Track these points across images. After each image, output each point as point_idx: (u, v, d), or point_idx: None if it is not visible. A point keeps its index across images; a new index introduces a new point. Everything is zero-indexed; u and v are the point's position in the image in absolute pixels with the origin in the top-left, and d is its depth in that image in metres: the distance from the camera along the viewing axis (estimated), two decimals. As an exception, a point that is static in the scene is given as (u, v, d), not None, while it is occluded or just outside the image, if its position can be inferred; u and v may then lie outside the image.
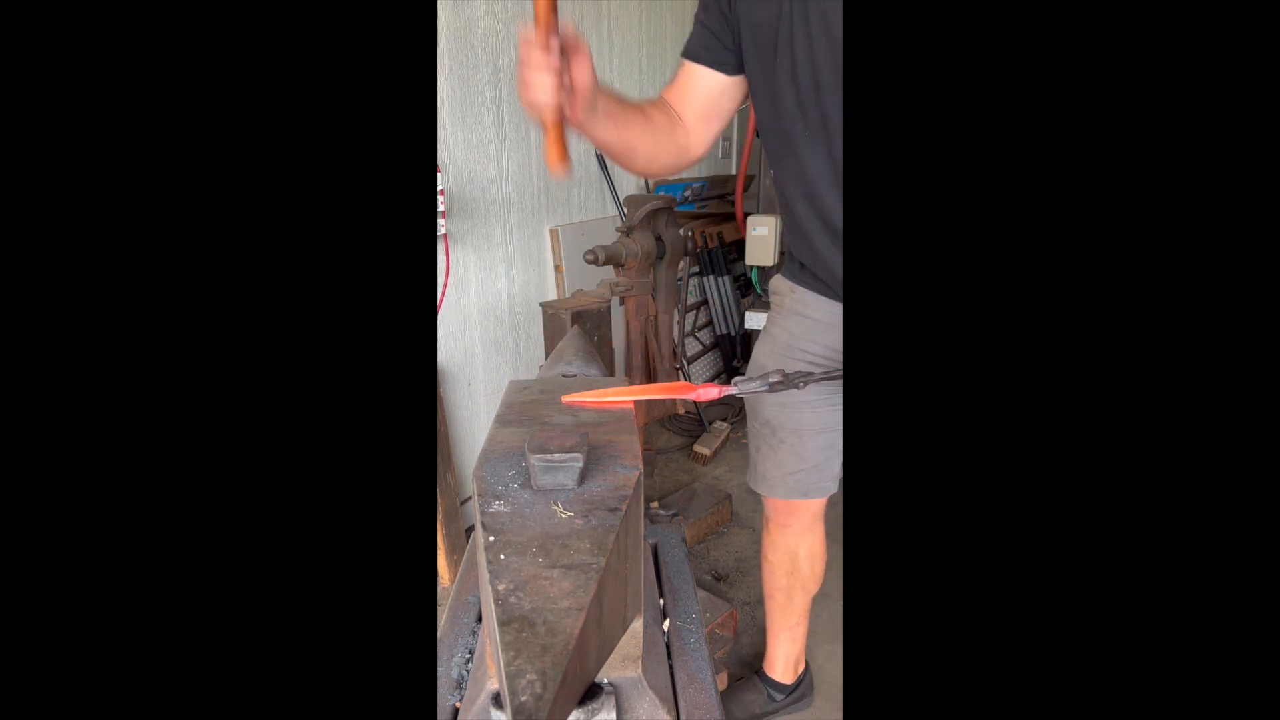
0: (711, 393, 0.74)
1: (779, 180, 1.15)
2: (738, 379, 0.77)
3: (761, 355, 1.31)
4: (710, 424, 3.04)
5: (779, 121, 1.07)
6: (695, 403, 3.07)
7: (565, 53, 0.78)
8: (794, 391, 1.22)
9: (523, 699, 0.35)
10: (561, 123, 0.81)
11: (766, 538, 1.45)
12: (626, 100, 1.00)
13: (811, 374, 0.80)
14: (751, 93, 1.10)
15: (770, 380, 0.78)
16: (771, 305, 1.33)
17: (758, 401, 1.31)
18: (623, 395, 0.69)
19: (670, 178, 3.27)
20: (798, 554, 1.41)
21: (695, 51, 1.11)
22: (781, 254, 2.94)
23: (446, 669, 0.69)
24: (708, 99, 1.11)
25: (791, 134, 1.06)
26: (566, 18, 2.52)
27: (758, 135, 2.97)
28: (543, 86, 0.77)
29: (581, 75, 0.81)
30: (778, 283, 1.31)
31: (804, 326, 1.24)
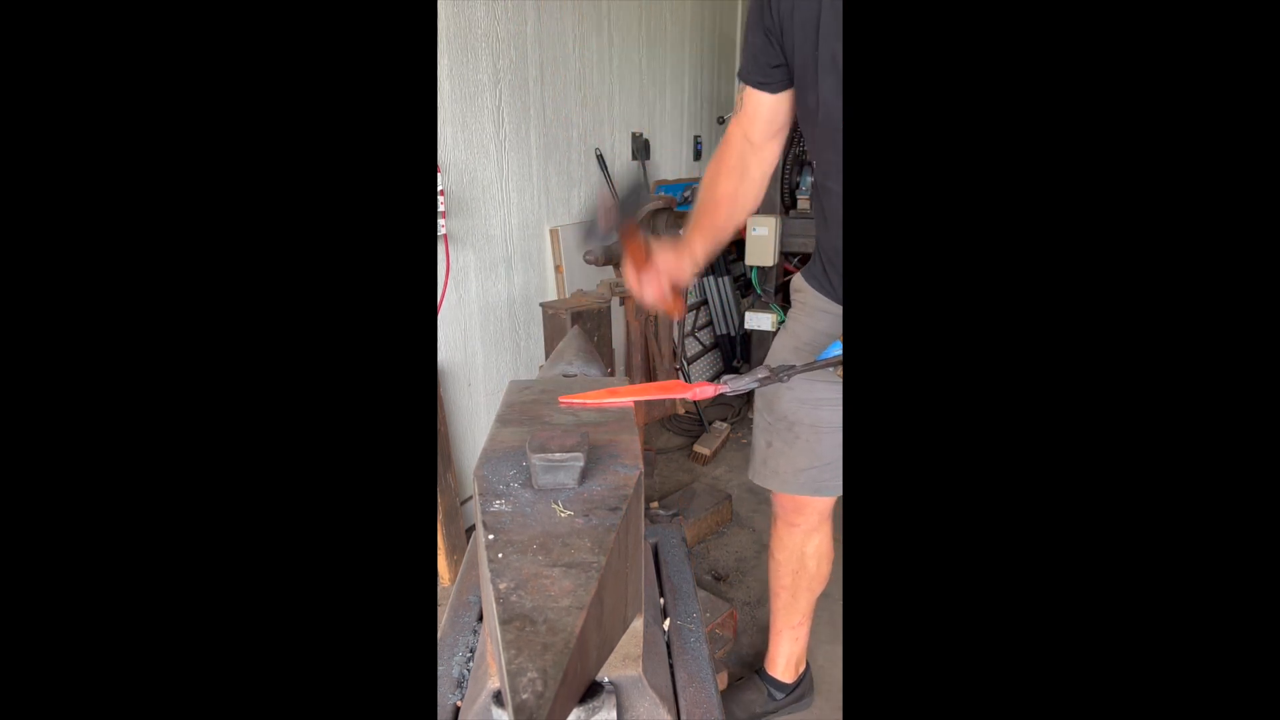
0: (708, 391, 0.76)
1: (817, 172, 1.20)
2: (727, 377, 0.79)
3: (782, 350, 1.33)
4: (710, 424, 3.04)
5: (818, 112, 1.09)
6: (695, 403, 3.08)
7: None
8: (816, 388, 1.25)
9: (524, 697, 0.35)
10: (675, 299, 1.10)
11: (774, 536, 1.45)
12: (704, 212, 1.20)
13: (793, 366, 0.84)
14: (796, 84, 1.13)
15: (759, 376, 0.81)
16: (793, 302, 1.35)
17: (775, 397, 1.32)
18: (619, 396, 0.69)
19: (671, 178, 3.27)
20: (805, 552, 1.41)
21: (746, 74, 1.19)
22: (784, 254, 2.95)
23: (447, 668, 0.69)
24: (769, 119, 1.20)
25: (829, 126, 1.08)
26: (567, 21, 2.49)
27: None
28: (651, 299, 1.11)
29: (679, 287, 1.11)
30: (798, 281, 1.33)
31: (826, 322, 1.25)
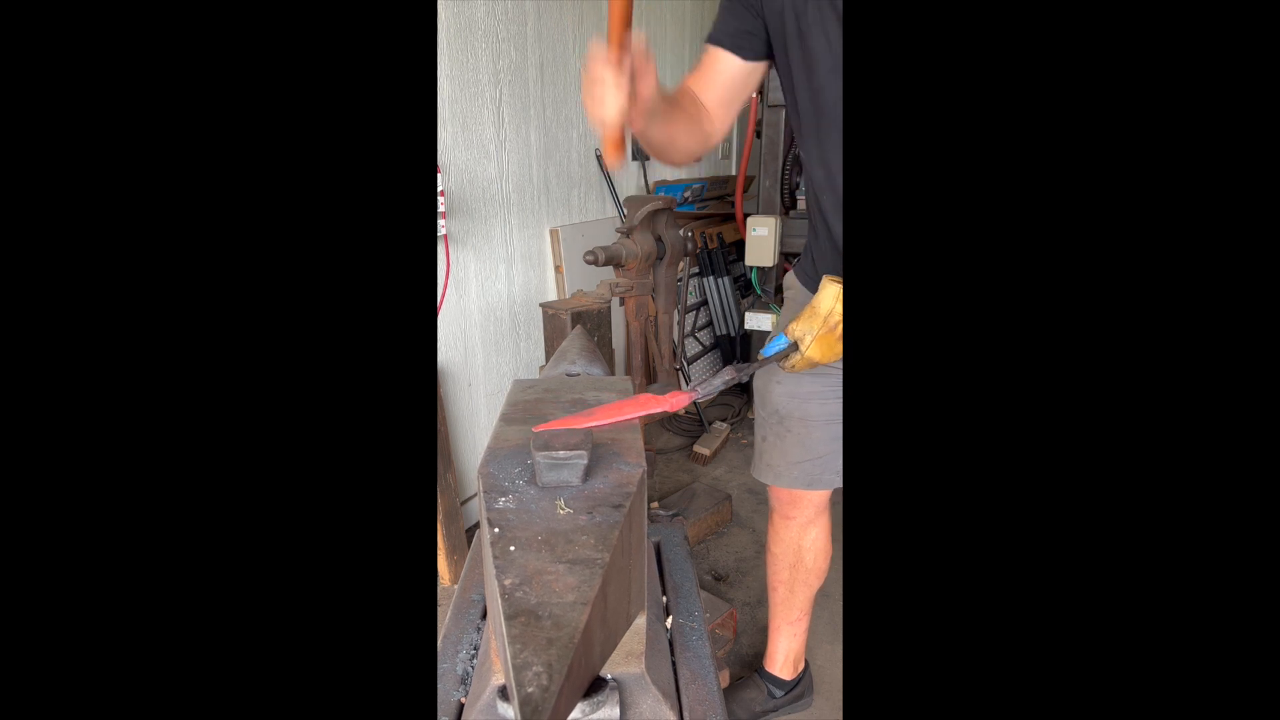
0: (681, 400, 0.75)
1: (803, 161, 1.18)
2: (695, 384, 0.81)
3: None
4: (710, 424, 3.04)
5: (800, 104, 1.09)
6: (695, 403, 3.07)
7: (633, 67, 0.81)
8: (804, 381, 1.26)
9: (529, 690, 0.35)
10: (622, 129, 0.83)
11: (771, 530, 1.46)
12: (669, 95, 1.01)
13: (750, 364, 0.89)
14: (779, 74, 1.12)
15: (725, 378, 0.84)
16: (785, 300, 1.36)
17: (766, 391, 1.33)
18: (593, 420, 0.66)
19: (671, 178, 3.27)
20: (802, 546, 1.42)
21: (718, 36, 1.13)
22: (784, 254, 2.95)
23: (451, 665, 0.69)
24: (730, 84, 1.14)
25: (812, 118, 1.08)
26: (567, 20, 2.48)
27: (758, 135, 2.97)
28: (612, 104, 0.80)
29: (647, 89, 0.83)
30: (789, 279, 1.34)
31: None
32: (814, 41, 1.02)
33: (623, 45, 0.79)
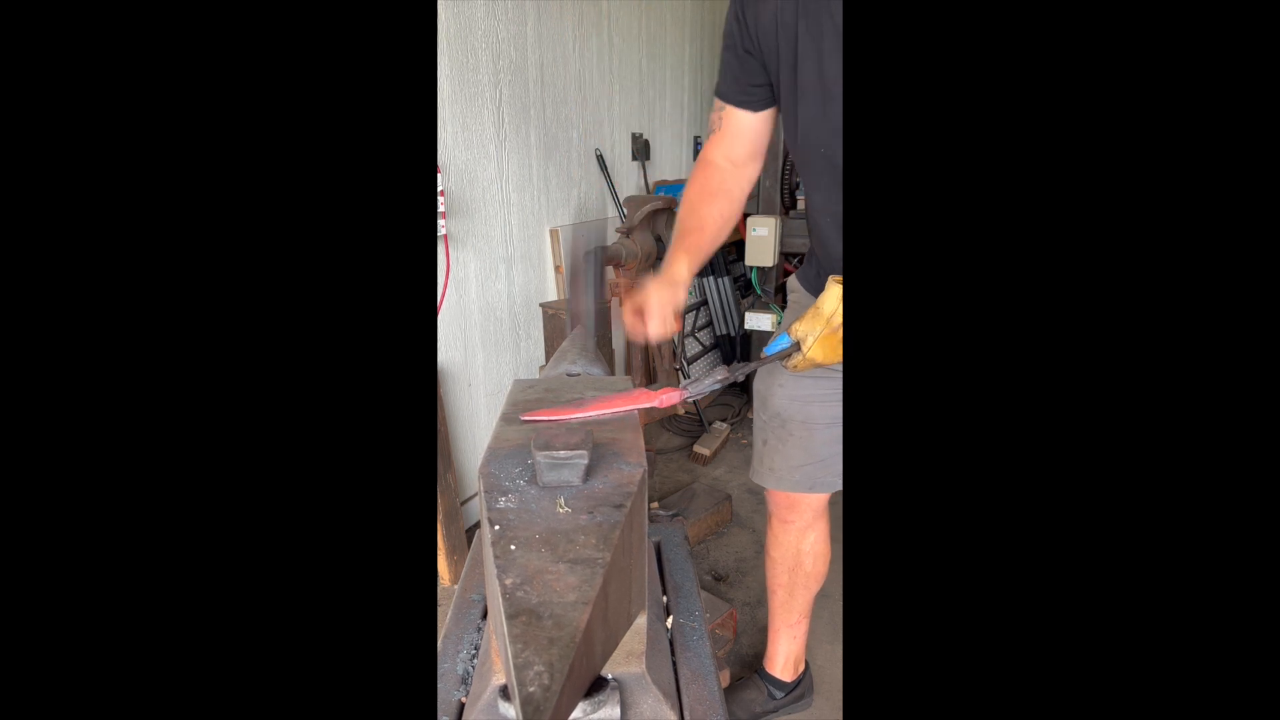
0: (672, 397, 0.76)
1: (805, 191, 1.21)
2: (687, 382, 0.81)
3: None
4: (710, 424, 3.04)
5: (802, 126, 1.10)
6: (695, 403, 3.07)
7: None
8: (805, 384, 1.26)
9: (530, 690, 0.35)
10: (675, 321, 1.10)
11: (769, 534, 1.45)
12: (689, 233, 1.18)
13: (748, 364, 0.91)
14: (781, 105, 1.14)
15: (718, 378, 0.84)
16: (789, 303, 1.37)
17: (768, 394, 1.33)
18: (583, 411, 0.67)
19: (671, 178, 3.27)
20: (801, 550, 1.42)
21: (725, 92, 1.17)
22: (784, 254, 2.95)
23: (452, 665, 0.69)
24: (752, 137, 1.19)
25: (811, 150, 1.09)
26: (567, 20, 2.47)
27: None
28: (655, 335, 1.08)
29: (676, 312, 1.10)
30: (792, 282, 1.35)
31: None
32: (804, 75, 1.03)
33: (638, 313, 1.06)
